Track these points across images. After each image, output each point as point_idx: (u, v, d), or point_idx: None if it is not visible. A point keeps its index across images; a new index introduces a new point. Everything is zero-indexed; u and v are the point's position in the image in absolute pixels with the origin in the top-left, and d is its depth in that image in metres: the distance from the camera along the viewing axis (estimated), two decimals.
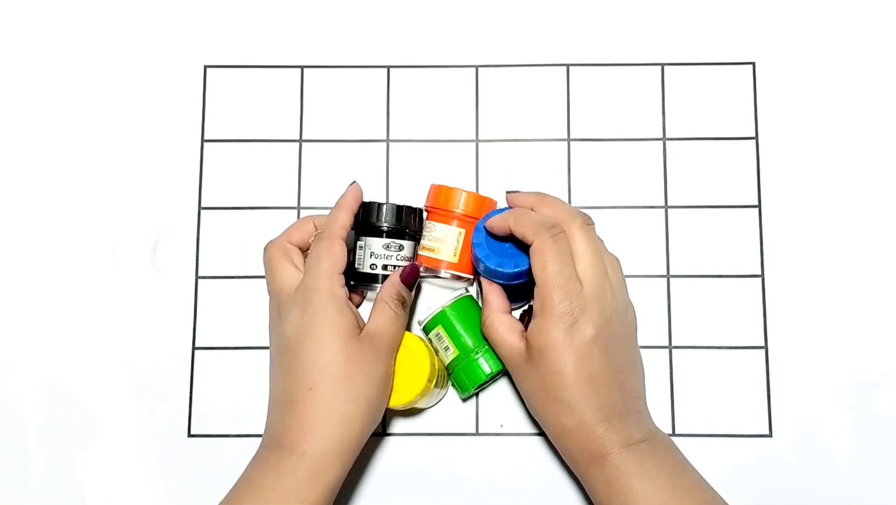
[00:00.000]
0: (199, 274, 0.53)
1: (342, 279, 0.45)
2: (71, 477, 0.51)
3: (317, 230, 0.48)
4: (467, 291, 0.51)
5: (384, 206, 0.49)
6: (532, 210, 0.46)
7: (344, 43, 0.55)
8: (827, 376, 0.51)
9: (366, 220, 0.49)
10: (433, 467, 0.51)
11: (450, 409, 0.52)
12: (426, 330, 0.50)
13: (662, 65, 0.54)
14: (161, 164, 0.54)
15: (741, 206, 0.53)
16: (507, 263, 0.46)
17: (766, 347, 0.52)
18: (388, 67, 0.55)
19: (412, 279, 0.48)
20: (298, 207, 0.53)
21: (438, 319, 0.49)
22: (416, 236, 0.50)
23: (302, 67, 0.55)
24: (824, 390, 0.51)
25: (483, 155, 0.54)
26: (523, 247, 0.46)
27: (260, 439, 0.45)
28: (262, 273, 0.52)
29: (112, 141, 0.54)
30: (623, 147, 0.54)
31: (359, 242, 0.49)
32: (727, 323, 0.52)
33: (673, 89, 0.54)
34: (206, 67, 0.55)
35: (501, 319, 0.46)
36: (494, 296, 0.47)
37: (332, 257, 0.45)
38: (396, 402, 0.46)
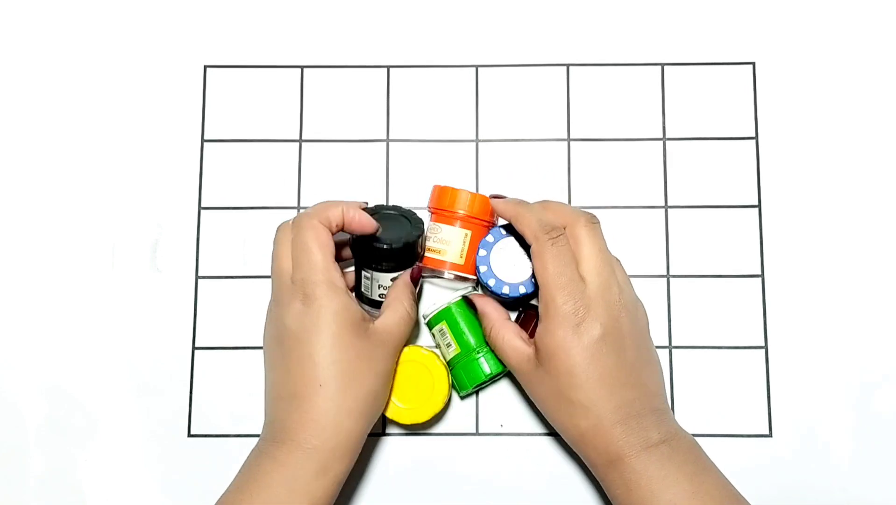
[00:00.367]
0: (199, 274, 0.53)
1: (337, 267, 0.45)
2: (71, 477, 0.51)
3: (343, 216, 0.46)
4: (474, 289, 0.51)
5: (390, 251, 0.47)
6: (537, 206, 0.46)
7: (344, 43, 0.55)
8: (827, 376, 0.51)
9: (371, 258, 0.48)
10: (433, 467, 0.51)
11: (450, 409, 0.52)
12: (430, 325, 0.50)
13: (662, 65, 0.54)
14: (161, 164, 0.54)
15: (741, 206, 0.53)
16: (513, 288, 0.47)
17: (766, 347, 0.52)
18: (388, 67, 0.55)
19: (417, 278, 0.48)
20: (298, 207, 0.53)
21: (443, 315, 0.49)
22: (420, 256, 0.50)
23: (302, 67, 0.55)
24: (824, 390, 0.51)
25: (483, 155, 0.54)
26: (527, 257, 0.46)
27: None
28: (262, 273, 0.53)
29: (112, 141, 0.54)
30: (623, 147, 0.54)
31: (364, 273, 0.48)
32: (727, 323, 0.52)
33: (673, 89, 0.54)
34: (206, 67, 0.55)
35: (506, 326, 0.46)
36: (491, 307, 0.47)
37: (321, 244, 0.44)
38: (411, 420, 0.48)
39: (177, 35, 0.55)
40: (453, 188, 0.49)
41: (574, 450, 0.45)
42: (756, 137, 0.54)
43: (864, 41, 0.54)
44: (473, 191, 0.50)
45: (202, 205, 0.54)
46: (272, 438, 0.43)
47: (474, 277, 0.49)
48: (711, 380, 0.51)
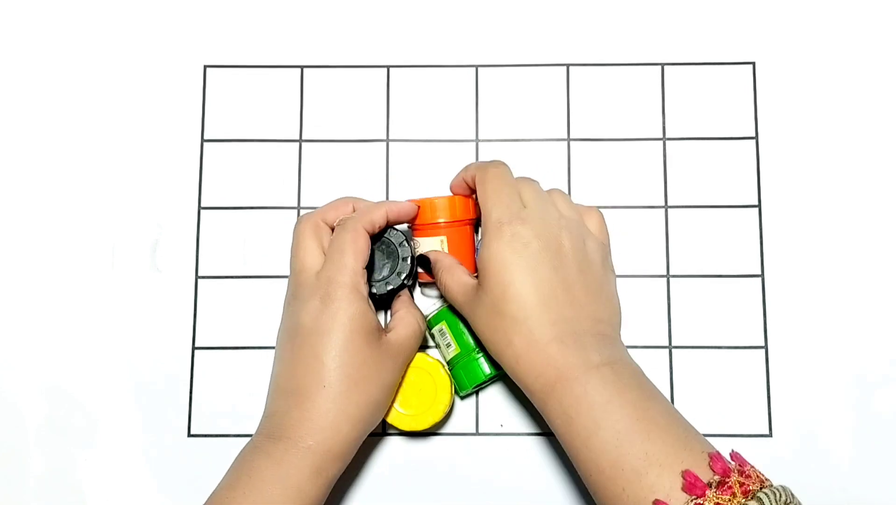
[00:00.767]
0: (199, 274, 0.53)
1: (365, 274, 0.45)
2: (71, 477, 0.51)
3: (351, 208, 0.47)
4: None
5: (371, 296, 0.47)
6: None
7: (344, 43, 0.55)
8: (827, 376, 0.51)
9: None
10: (433, 467, 0.51)
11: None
12: (429, 325, 0.50)
13: (662, 65, 0.54)
14: (161, 164, 0.54)
15: (741, 206, 0.53)
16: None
17: (766, 347, 0.52)
18: (388, 67, 0.55)
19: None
20: (298, 207, 0.53)
21: (442, 315, 0.49)
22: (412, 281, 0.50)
23: (302, 67, 0.55)
24: (824, 390, 0.51)
25: (483, 155, 0.54)
26: None
27: None
28: (262, 273, 0.53)
29: (112, 141, 0.54)
30: (623, 147, 0.54)
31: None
32: (727, 323, 0.52)
33: (673, 89, 0.54)
34: (206, 67, 0.55)
35: (455, 267, 0.46)
36: (442, 256, 0.47)
37: (357, 251, 0.44)
38: (411, 426, 0.48)
39: (177, 35, 0.55)
40: (428, 200, 0.49)
41: (515, 380, 0.43)
42: (756, 137, 0.54)
43: (864, 41, 0.54)
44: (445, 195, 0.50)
45: (202, 205, 0.54)
46: (269, 434, 0.43)
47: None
48: (711, 380, 0.51)
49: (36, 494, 0.51)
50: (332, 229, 0.47)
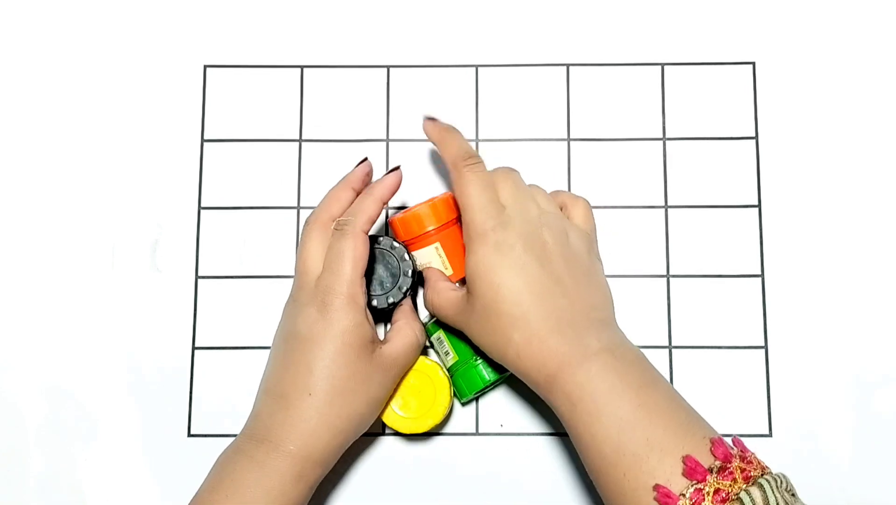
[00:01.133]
0: (199, 274, 0.53)
1: (363, 283, 0.45)
2: (71, 477, 0.51)
3: (356, 196, 0.47)
4: None
5: (373, 309, 0.47)
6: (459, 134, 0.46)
7: (344, 43, 0.55)
8: (827, 376, 0.51)
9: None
10: (433, 467, 0.51)
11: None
12: (428, 333, 0.50)
13: (662, 65, 0.54)
14: (161, 164, 0.54)
15: (741, 206, 0.53)
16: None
17: (766, 347, 0.52)
18: (388, 67, 0.55)
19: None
20: (298, 207, 0.53)
21: (440, 323, 0.49)
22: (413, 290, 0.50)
23: (302, 67, 0.55)
24: (824, 390, 0.51)
25: (483, 155, 0.53)
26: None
27: None
28: (262, 273, 0.53)
29: (112, 141, 0.54)
30: (623, 147, 0.54)
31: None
32: (727, 323, 0.52)
33: (673, 89, 0.54)
34: (206, 67, 0.55)
35: (440, 282, 0.47)
36: (429, 271, 0.48)
37: (355, 258, 0.44)
38: (409, 429, 0.48)
39: (177, 35, 0.55)
40: (412, 212, 0.48)
41: (520, 378, 0.44)
42: (756, 137, 0.54)
43: (864, 41, 0.54)
44: (425, 200, 0.49)
45: (202, 205, 0.54)
46: (252, 436, 0.44)
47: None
48: (711, 380, 0.51)
49: (36, 494, 0.51)
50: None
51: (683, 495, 0.36)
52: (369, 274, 0.47)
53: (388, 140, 0.54)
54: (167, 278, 0.53)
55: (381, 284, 0.48)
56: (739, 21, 0.55)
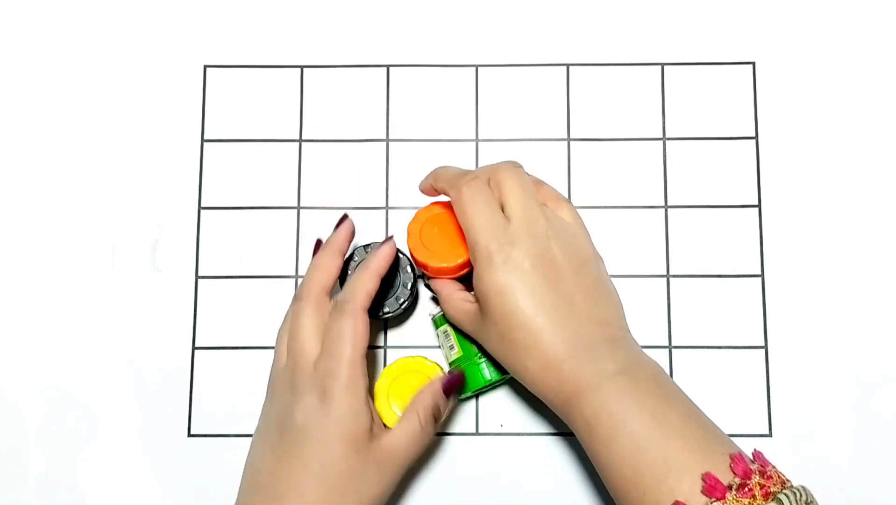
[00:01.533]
0: (199, 274, 0.53)
1: (364, 363, 0.43)
2: (71, 477, 0.51)
3: (342, 258, 0.46)
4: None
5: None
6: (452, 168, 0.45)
7: (344, 42, 0.55)
8: (827, 376, 0.51)
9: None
10: (433, 467, 0.51)
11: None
12: (435, 325, 0.50)
13: (662, 65, 0.54)
14: (161, 164, 0.54)
15: (741, 206, 0.53)
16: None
17: (766, 347, 0.52)
18: (388, 67, 0.55)
19: (454, 388, 0.46)
20: (298, 207, 0.53)
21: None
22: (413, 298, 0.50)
23: (302, 67, 0.55)
24: (824, 390, 0.51)
25: (483, 155, 0.54)
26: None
27: None
28: (262, 273, 0.53)
29: (112, 141, 0.54)
30: (623, 147, 0.54)
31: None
32: (727, 323, 0.52)
33: (673, 89, 0.54)
34: (206, 67, 0.55)
35: (455, 294, 0.45)
36: (443, 284, 0.47)
37: (356, 339, 0.42)
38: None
39: (177, 35, 0.55)
40: (423, 263, 0.47)
41: (538, 397, 0.43)
42: (756, 137, 0.54)
43: (864, 41, 0.54)
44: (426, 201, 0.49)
45: (202, 205, 0.54)
46: None
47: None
48: (711, 380, 0.51)
49: (36, 494, 0.51)
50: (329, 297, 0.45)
51: None
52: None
53: (387, 140, 0.54)
54: (167, 278, 0.53)
55: (379, 293, 0.47)
56: (739, 21, 0.55)
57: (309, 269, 0.46)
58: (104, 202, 0.54)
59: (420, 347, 0.52)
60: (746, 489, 0.37)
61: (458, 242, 0.46)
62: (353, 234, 0.47)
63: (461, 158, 0.54)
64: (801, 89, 0.54)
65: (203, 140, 0.54)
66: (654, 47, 0.55)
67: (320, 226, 0.53)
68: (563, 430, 0.51)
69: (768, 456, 0.41)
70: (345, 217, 0.48)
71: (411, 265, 0.48)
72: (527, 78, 0.54)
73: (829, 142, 0.53)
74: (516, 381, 0.47)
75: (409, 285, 0.48)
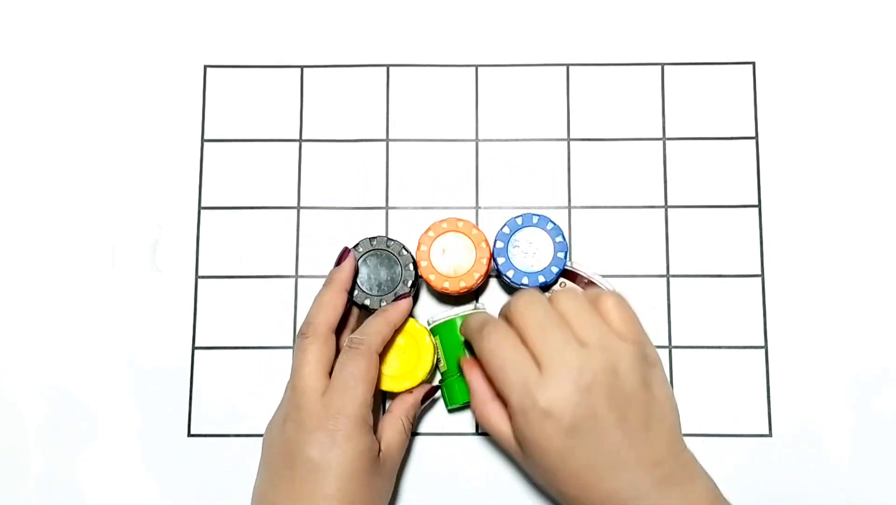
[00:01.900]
0: (199, 274, 0.53)
1: (373, 402, 0.44)
2: (71, 477, 0.51)
3: (346, 295, 0.46)
4: (481, 307, 0.50)
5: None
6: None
7: (344, 42, 0.55)
8: (827, 376, 0.51)
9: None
10: (433, 467, 0.51)
11: (449, 409, 0.52)
12: (432, 332, 0.50)
13: (662, 65, 0.54)
14: (161, 164, 0.54)
15: (741, 206, 0.53)
16: (532, 278, 0.48)
17: (766, 347, 0.52)
18: (388, 66, 0.55)
19: (430, 399, 0.49)
20: (298, 207, 0.53)
21: (438, 329, 0.49)
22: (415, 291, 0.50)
23: (302, 67, 0.55)
24: (824, 390, 0.51)
25: (483, 155, 0.54)
26: (546, 245, 0.47)
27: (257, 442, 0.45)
28: (262, 273, 0.53)
29: (112, 141, 0.54)
30: (623, 147, 0.54)
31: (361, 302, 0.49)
32: (727, 323, 0.52)
33: (673, 89, 0.54)
34: (206, 67, 0.55)
35: (491, 408, 0.43)
36: (478, 384, 0.44)
37: (369, 381, 0.43)
38: (389, 387, 0.47)
39: (177, 35, 0.55)
40: (456, 294, 0.48)
41: None
42: (756, 137, 0.54)
43: (864, 41, 0.54)
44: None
45: (202, 205, 0.54)
46: None
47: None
48: (711, 380, 0.51)
49: (36, 494, 0.51)
50: (335, 334, 0.46)
51: None
52: (368, 270, 0.47)
53: (387, 140, 0.54)
54: (167, 278, 0.53)
55: (379, 285, 0.48)
56: (739, 21, 0.55)
57: (314, 305, 0.46)
58: (104, 202, 0.54)
59: None
60: None
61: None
62: (356, 269, 0.48)
63: (461, 158, 0.54)
64: (801, 89, 0.54)
65: (203, 140, 0.54)
66: (654, 47, 0.55)
67: (320, 226, 0.53)
68: None
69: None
70: (346, 251, 0.48)
71: (414, 263, 0.48)
72: (527, 78, 0.54)
73: (829, 142, 0.53)
74: None
75: (410, 283, 0.48)
